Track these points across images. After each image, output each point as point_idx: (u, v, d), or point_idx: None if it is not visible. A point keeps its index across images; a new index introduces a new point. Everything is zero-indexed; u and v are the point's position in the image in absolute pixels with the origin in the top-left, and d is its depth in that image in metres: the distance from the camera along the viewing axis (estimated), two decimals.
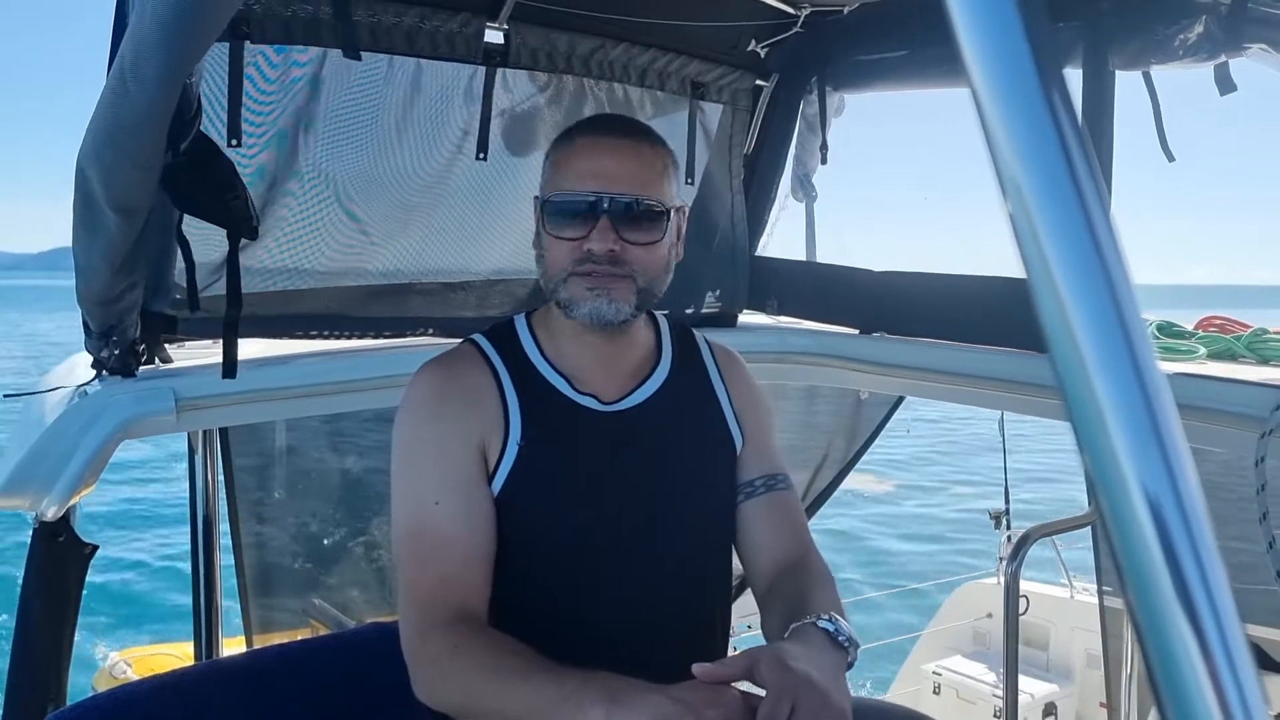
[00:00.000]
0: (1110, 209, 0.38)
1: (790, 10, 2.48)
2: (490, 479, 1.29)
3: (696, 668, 1.01)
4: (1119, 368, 0.37)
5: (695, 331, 1.53)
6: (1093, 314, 0.37)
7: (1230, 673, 0.35)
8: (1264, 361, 2.01)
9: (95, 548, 1.74)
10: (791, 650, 1.04)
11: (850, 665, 1.14)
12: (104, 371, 1.81)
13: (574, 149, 1.30)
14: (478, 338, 1.39)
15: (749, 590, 3.02)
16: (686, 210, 1.41)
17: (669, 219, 1.31)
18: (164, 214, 1.76)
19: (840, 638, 1.13)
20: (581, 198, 1.25)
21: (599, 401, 1.35)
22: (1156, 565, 0.36)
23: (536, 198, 1.36)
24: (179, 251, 1.84)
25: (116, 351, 1.73)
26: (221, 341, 1.81)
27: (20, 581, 1.70)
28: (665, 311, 1.56)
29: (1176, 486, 0.36)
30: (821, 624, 1.13)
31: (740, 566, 1.48)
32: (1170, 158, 2.03)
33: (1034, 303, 0.38)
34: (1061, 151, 0.37)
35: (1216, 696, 0.35)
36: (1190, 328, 2.21)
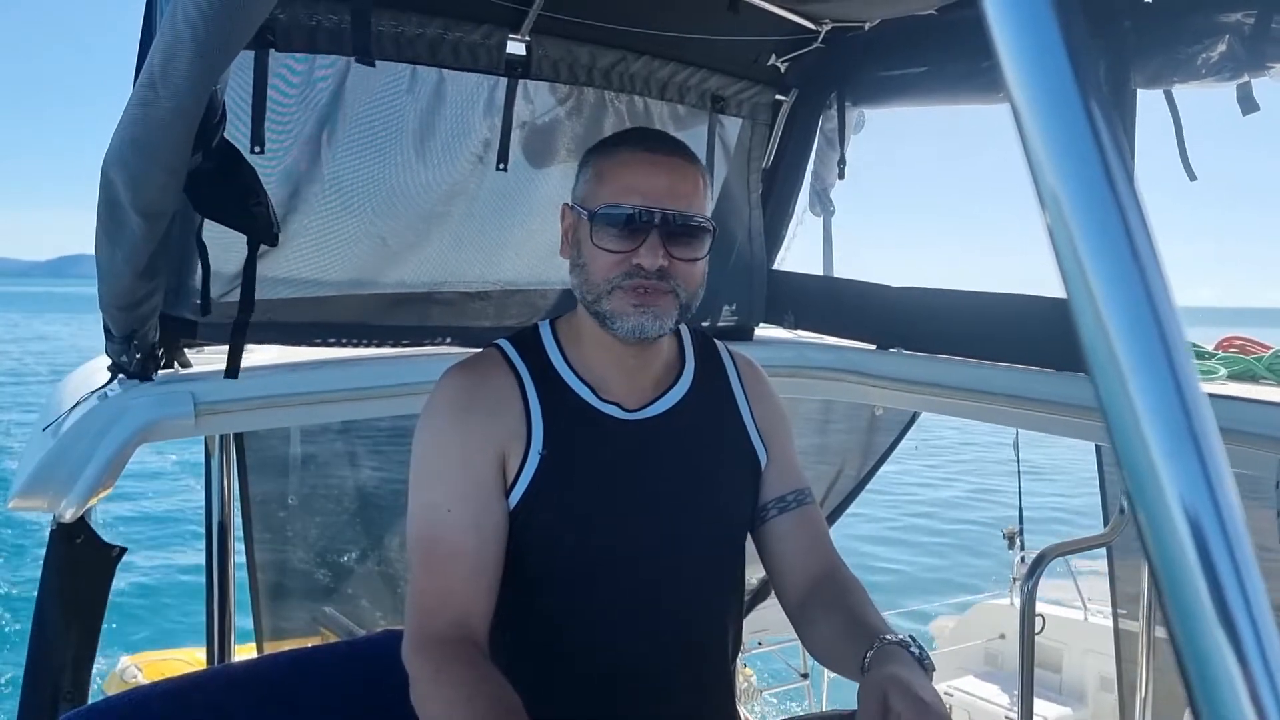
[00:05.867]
0: (1149, 220, 0.37)
1: (811, 25, 2.49)
2: (510, 487, 1.29)
3: None
4: (1158, 380, 0.36)
5: (717, 342, 1.52)
6: (1132, 326, 0.37)
7: (1270, 687, 0.35)
8: None
9: (123, 550, 1.75)
10: (913, 680, 1.06)
11: None
12: (122, 375, 1.82)
13: (622, 162, 1.29)
14: (503, 343, 1.39)
15: (758, 607, 3.01)
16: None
17: (712, 236, 1.31)
18: (186, 219, 1.77)
19: (925, 661, 1.14)
20: (634, 210, 1.25)
21: (622, 410, 1.35)
22: (1195, 578, 0.36)
23: (572, 206, 1.34)
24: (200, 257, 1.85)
25: (137, 356, 1.74)
26: (230, 345, 1.85)
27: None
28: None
29: (1216, 500, 0.36)
30: (907, 647, 1.15)
31: (751, 583, 1.48)
32: (1192, 176, 2.02)
33: (1071, 313, 0.38)
34: (1101, 163, 0.37)
35: (1255, 710, 0.35)
36: (1211, 348, 2.20)
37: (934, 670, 1.16)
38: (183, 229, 1.82)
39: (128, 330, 1.68)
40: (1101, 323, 0.37)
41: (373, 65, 1.92)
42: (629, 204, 1.25)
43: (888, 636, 1.17)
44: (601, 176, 1.30)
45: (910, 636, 1.17)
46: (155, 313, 1.71)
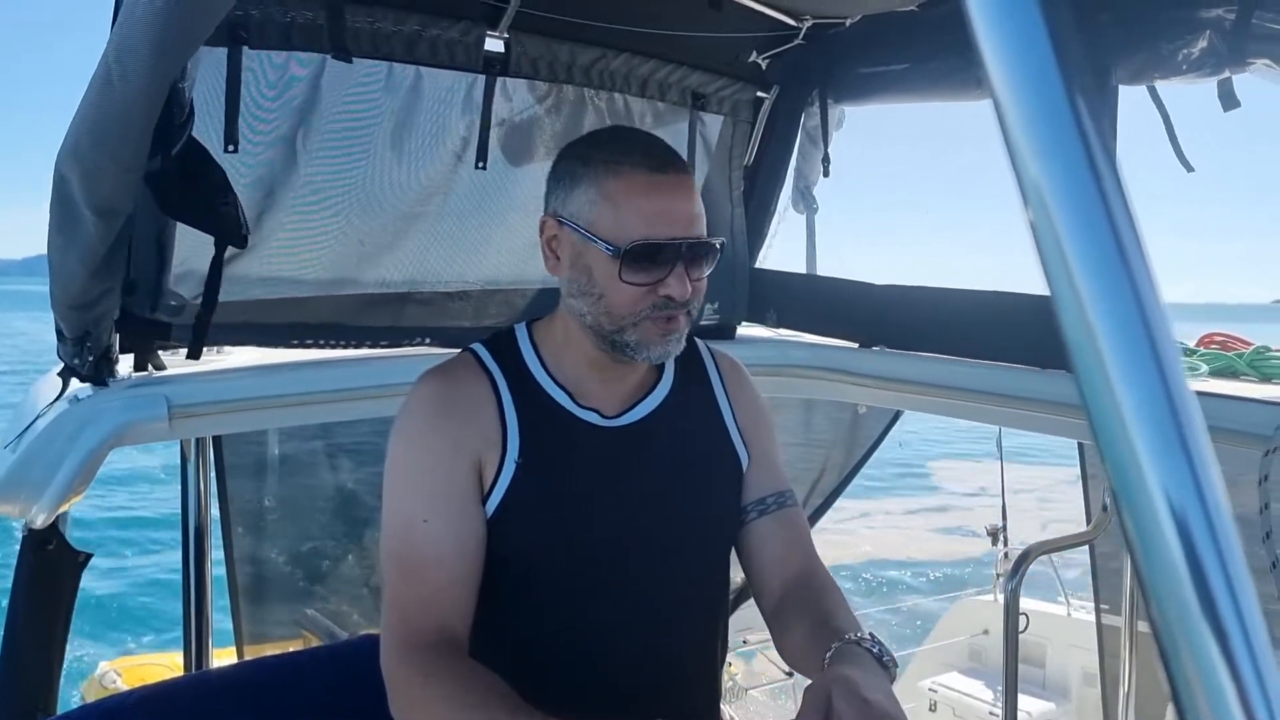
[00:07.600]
0: (1134, 212, 0.36)
1: (792, 22, 2.49)
2: (486, 496, 1.27)
3: None
4: (1144, 376, 0.36)
5: (699, 341, 1.49)
6: (1117, 320, 0.36)
7: (1259, 689, 0.34)
8: (1265, 379, 1.99)
9: (89, 556, 1.72)
10: (861, 679, 1.02)
11: (891, 683, 1.12)
12: (76, 379, 1.78)
13: (637, 187, 1.21)
14: (477, 347, 1.35)
15: (743, 605, 3.00)
16: None
17: (719, 254, 1.30)
18: (157, 219, 1.74)
19: (884, 659, 1.11)
20: (667, 244, 1.21)
21: (600, 416, 1.32)
22: (1181, 577, 0.35)
23: (562, 221, 1.26)
24: (174, 258, 1.83)
25: (90, 359, 1.69)
26: (193, 333, 1.87)
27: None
28: None
29: (1204, 498, 0.35)
30: (865, 645, 1.12)
31: (735, 582, 1.46)
32: (1188, 168, 2.01)
33: (1054, 307, 0.37)
34: (1084, 154, 0.36)
35: (1244, 712, 0.34)
36: (1192, 344, 2.21)
37: (895, 667, 1.13)
38: (156, 229, 1.79)
39: (80, 331, 1.63)
40: (1085, 317, 0.36)
41: (349, 61, 1.90)
42: (661, 236, 1.21)
43: (848, 635, 1.14)
44: (613, 200, 1.21)
45: (870, 634, 1.14)
46: (111, 314, 1.66)
